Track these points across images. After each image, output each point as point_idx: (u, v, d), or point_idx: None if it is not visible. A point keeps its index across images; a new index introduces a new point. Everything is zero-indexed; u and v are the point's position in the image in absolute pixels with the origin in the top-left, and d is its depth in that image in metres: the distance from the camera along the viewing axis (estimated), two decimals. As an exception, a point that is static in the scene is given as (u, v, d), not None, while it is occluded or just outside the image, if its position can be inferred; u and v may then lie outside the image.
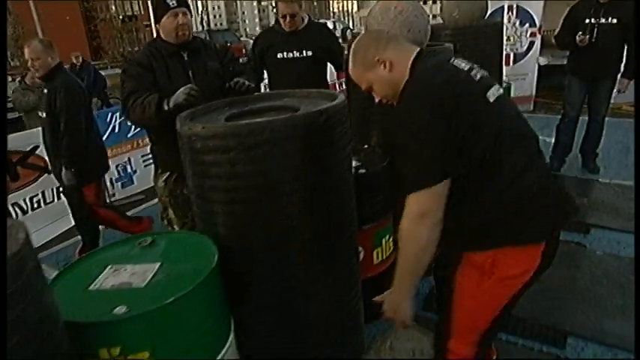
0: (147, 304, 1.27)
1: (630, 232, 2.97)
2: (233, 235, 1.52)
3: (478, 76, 1.29)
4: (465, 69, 1.29)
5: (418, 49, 1.35)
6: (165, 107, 1.91)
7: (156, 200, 2.85)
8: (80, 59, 9.14)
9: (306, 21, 3.07)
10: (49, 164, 3.89)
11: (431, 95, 1.19)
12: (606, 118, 3.97)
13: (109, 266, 1.50)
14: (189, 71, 2.16)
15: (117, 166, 4.47)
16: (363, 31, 2.35)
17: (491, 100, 1.25)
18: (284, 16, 2.94)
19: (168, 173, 2.30)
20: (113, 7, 24.36)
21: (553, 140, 4.19)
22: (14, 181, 3.68)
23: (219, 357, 1.44)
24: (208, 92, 2.01)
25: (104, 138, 4.38)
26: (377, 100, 1.43)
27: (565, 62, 4.00)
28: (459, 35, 3.05)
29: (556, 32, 4.10)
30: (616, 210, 3.33)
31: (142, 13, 26.33)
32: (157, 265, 1.48)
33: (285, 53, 3.01)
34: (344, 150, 1.62)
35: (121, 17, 22.42)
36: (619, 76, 3.73)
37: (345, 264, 1.73)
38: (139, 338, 1.25)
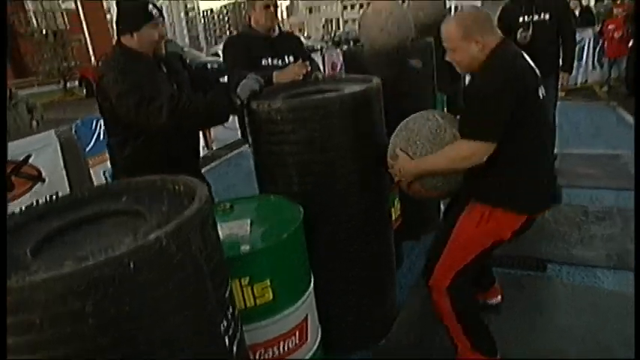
0: (264, 243, 1.60)
1: (587, 188, 3.65)
2: (307, 191, 1.88)
3: (537, 73, 1.70)
4: (530, 66, 1.68)
5: (500, 39, 1.71)
6: (239, 101, 1.85)
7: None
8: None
9: (277, 30, 2.85)
10: (42, 173, 3.95)
11: (511, 78, 1.61)
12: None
13: (205, 226, 1.78)
14: (174, 84, 2.05)
15: (104, 173, 4.54)
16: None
17: (540, 96, 1.69)
18: (267, 6, 2.64)
19: None
20: (35, 22, 22.98)
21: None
22: (10, 190, 3.69)
23: (310, 288, 1.78)
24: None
25: (89, 147, 4.46)
26: (447, 58, 1.77)
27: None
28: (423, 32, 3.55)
29: None
30: (574, 173, 3.99)
31: (68, 27, 25.04)
32: (248, 221, 1.79)
33: (269, 60, 2.73)
34: (381, 120, 2.05)
35: (44, 32, 21.18)
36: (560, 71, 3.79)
37: (382, 216, 2.15)
38: (262, 269, 1.57)
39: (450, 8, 6.49)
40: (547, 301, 2.43)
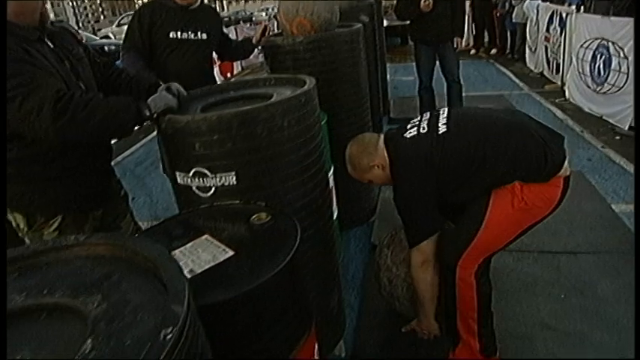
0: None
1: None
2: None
3: (424, 127, 1.63)
4: (415, 134, 1.63)
5: (382, 136, 1.74)
6: (147, 113, 1.46)
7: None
8: None
9: (199, 0, 2.65)
10: None
11: (415, 166, 1.60)
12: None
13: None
14: (66, 61, 1.52)
15: None
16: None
17: (441, 131, 1.58)
18: None
19: (60, 217, 1.56)
20: None
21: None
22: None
23: (331, 170, 2.43)
24: (90, 83, 1.62)
25: None
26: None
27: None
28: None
29: (394, 5, 4.62)
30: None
31: None
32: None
33: (179, 33, 2.52)
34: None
35: None
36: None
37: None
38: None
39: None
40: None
